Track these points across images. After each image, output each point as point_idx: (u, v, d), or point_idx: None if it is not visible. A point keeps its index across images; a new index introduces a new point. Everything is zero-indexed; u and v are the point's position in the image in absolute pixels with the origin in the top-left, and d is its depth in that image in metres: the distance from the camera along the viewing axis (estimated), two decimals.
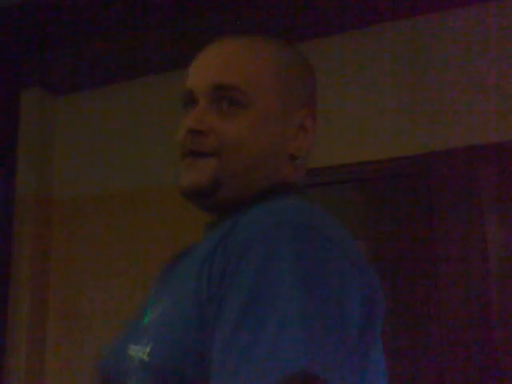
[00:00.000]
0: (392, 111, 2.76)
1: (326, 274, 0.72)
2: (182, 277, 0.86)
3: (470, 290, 2.49)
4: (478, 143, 2.60)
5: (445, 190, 2.60)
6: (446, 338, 2.49)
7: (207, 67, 0.93)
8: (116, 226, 3.22)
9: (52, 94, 3.50)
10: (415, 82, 2.75)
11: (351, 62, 2.87)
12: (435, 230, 2.59)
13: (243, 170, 0.90)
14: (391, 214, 2.73)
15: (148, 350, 0.79)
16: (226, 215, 0.90)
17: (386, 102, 2.78)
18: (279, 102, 0.93)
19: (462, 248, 2.53)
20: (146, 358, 0.79)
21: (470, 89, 2.65)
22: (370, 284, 0.79)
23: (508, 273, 2.49)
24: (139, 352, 0.81)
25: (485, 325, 2.46)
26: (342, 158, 2.82)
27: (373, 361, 0.79)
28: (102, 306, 3.14)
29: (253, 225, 0.77)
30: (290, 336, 0.65)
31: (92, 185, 3.38)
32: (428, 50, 2.75)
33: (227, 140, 0.89)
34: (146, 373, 0.78)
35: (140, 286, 2.98)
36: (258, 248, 0.73)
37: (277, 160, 0.93)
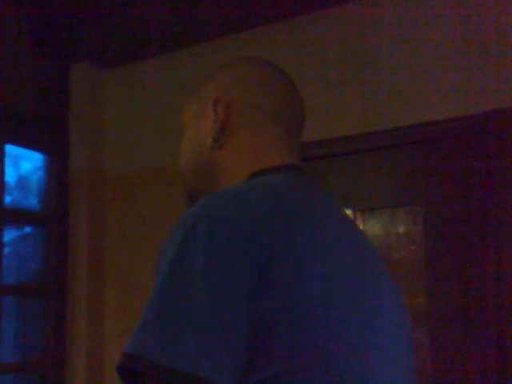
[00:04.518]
0: (446, 70, 2.66)
1: (190, 262, 0.80)
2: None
3: None
4: None
5: (504, 151, 2.51)
6: (506, 302, 2.43)
7: None
8: (170, 199, 3.23)
9: (102, 67, 3.50)
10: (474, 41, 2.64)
11: (415, 19, 2.74)
12: (493, 195, 2.51)
13: (191, 176, 1.13)
14: (447, 177, 2.65)
15: None
16: None
17: (439, 62, 2.68)
18: (193, 114, 1.14)
19: None
20: None
21: None
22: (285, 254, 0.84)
23: None
24: None
25: None
26: (394, 121, 2.75)
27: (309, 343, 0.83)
28: None
29: None
30: (139, 321, 0.80)
31: (144, 158, 3.40)
32: (495, 6, 2.63)
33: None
34: None
35: None
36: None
37: (202, 156, 1.10)
